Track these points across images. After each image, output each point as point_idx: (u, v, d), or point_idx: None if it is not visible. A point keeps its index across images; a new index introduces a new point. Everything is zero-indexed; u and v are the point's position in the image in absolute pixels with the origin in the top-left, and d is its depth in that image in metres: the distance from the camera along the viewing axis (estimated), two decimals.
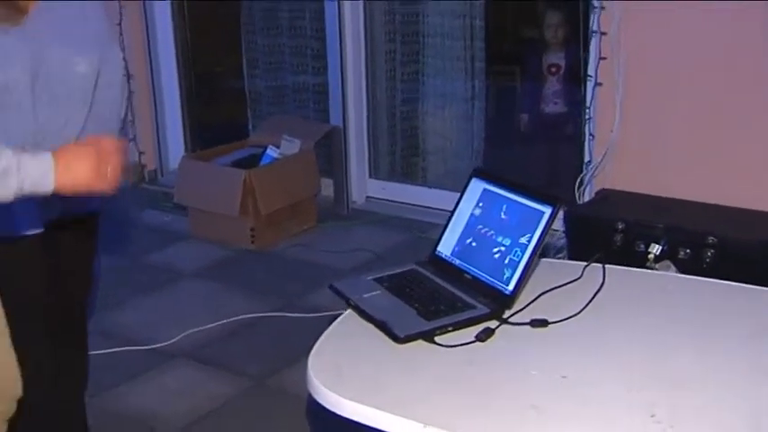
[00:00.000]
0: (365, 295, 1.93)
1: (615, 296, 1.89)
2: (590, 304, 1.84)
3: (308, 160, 4.47)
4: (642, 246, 3.17)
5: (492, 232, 1.94)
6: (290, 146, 4.38)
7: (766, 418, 1.42)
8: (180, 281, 3.95)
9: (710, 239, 3.08)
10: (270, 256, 4.18)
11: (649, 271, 2.34)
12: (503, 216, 1.94)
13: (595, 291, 1.89)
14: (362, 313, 1.86)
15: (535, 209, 1.87)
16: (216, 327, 3.43)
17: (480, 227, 1.98)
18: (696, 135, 3.48)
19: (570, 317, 1.79)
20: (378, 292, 1.94)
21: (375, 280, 2.01)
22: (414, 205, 4.68)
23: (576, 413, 1.47)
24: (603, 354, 1.67)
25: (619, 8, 3.52)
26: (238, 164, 4.35)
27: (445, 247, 2.04)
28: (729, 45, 3.34)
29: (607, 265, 1.98)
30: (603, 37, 3.59)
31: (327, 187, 4.74)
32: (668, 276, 2.23)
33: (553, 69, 4.40)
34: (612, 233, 3.26)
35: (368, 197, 4.88)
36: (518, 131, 4.76)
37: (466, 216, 2.03)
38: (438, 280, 1.97)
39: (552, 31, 4.38)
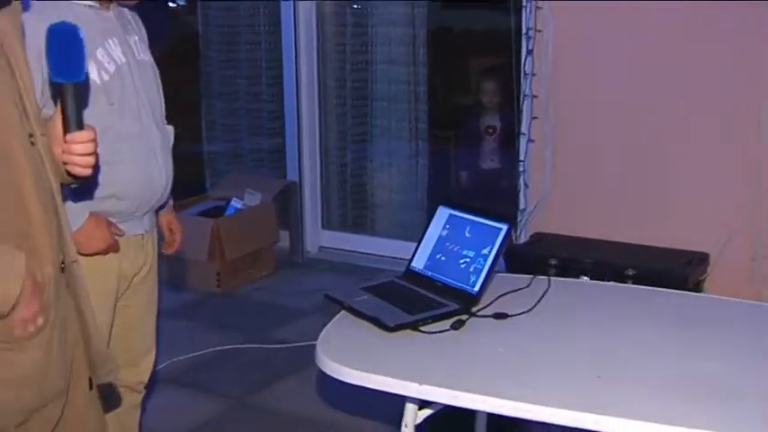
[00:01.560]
0: (356, 299, 2.33)
1: (558, 297, 2.33)
2: (539, 303, 2.28)
3: (268, 211, 4.87)
4: (572, 278, 3.63)
5: (458, 247, 2.38)
6: (253, 198, 4.78)
7: (682, 384, 1.87)
8: None
9: (630, 271, 3.55)
10: (235, 298, 4.54)
11: (584, 280, 2.78)
12: (467, 234, 2.38)
13: (543, 293, 2.33)
14: (356, 312, 2.26)
15: (493, 226, 2.32)
16: (194, 357, 3.77)
17: (448, 244, 2.41)
18: (617, 183, 4.00)
19: (525, 312, 2.22)
20: (366, 297, 2.35)
21: (362, 289, 2.42)
22: (363, 253, 5.10)
23: (534, 376, 1.89)
24: (553, 336, 2.10)
25: (547, 75, 4.07)
26: (204, 214, 4.71)
27: (418, 263, 2.46)
28: (643, 108, 3.89)
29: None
30: (535, 99, 4.12)
31: (283, 238, 5.13)
32: (600, 284, 2.67)
33: (490, 130, 4.91)
34: (547, 268, 3.71)
35: (320, 247, 5.28)
36: (458, 186, 5.24)
37: (435, 237, 2.46)
38: (415, 287, 2.38)
39: (489, 96, 4.90)
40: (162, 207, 2.41)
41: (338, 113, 5.25)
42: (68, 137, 1.57)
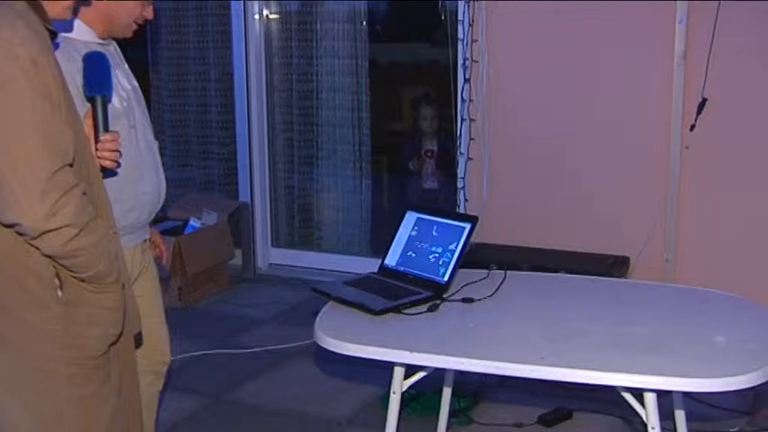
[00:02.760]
0: (342, 290, 2.69)
1: (513, 286, 2.74)
2: (498, 290, 2.68)
3: (224, 230, 5.19)
4: None
5: (427, 245, 2.77)
6: (210, 218, 5.09)
7: (618, 342, 2.30)
8: None
9: (562, 273, 4.01)
10: (197, 310, 4.83)
11: (534, 273, 3.19)
12: (434, 233, 2.78)
13: (501, 281, 2.74)
14: (343, 301, 2.61)
15: (458, 225, 2.73)
16: None
17: (417, 243, 2.80)
18: (547, 196, 4.47)
19: (488, 296, 2.63)
20: (350, 288, 2.71)
21: (344, 283, 2.78)
22: (311, 268, 5.45)
23: (499, 344, 2.29)
24: (511, 315, 2.51)
25: (483, 100, 4.53)
26: (164, 233, 4.98)
27: (391, 260, 2.84)
28: (567, 128, 4.39)
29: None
30: (473, 122, 4.57)
31: (236, 256, 5.43)
32: (547, 275, 3.09)
33: (429, 153, 5.33)
34: None
35: (270, 263, 5.61)
36: (401, 203, 5.62)
37: (405, 238, 2.85)
38: (391, 280, 2.76)
39: (428, 122, 5.33)
40: None
41: (286, 138, 5.61)
42: (102, 137, 2.01)
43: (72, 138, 1.76)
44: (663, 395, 2.21)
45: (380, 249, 2.90)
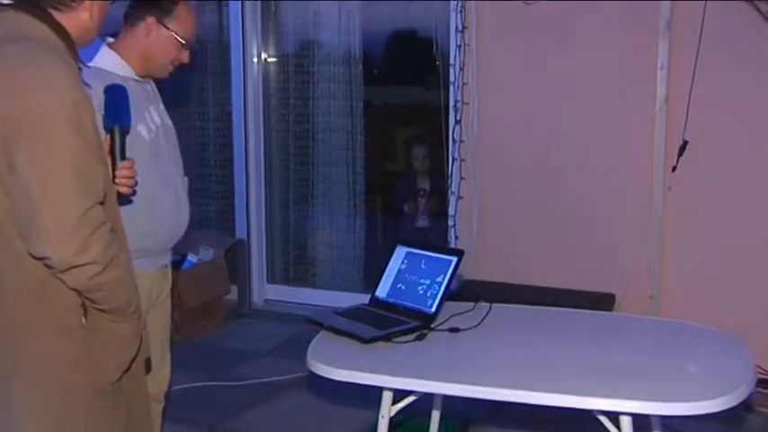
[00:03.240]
0: (333, 320, 2.81)
1: (498, 317, 2.86)
2: (484, 320, 2.80)
3: (220, 266, 5.31)
4: None
5: (416, 278, 2.90)
6: (207, 253, 5.21)
7: (597, 370, 2.42)
8: None
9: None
10: (193, 344, 4.92)
11: (519, 306, 3.29)
12: (422, 266, 2.90)
13: (486, 312, 2.86)
14: (335, 330, 2.73)
15: (445, 259, 2.86)
16: None
17: (407, 275, 2.93)
18: (535, 235, 4.60)
19: (473, 326, 2.74)
20: (341, 318, 2.83)
21: (336, 313, 2.90)
22: (305, 304, 5.54)
23: (484, 370, 2.41)
24: (496, 344, 2.63)
25: (473, 141, 4.68)
26: None
27: (381, 292, 2.97)
28: (555, 169, 4.54)
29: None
30: (463, 162, 4.73)
31: (232, 291, 5.55)
32: (531, 308, 3.20)
33: (421, 193, 5.48)
34: None
35: (266, 299, 5.72)
36: (394, 241, 5.73)
37: (395, 271, 2.98)
38: (381, 311, 2.88)
39: (419, 161, 5.49)
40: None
41: (282, 177, 5.76)
42: (120, 164, 2.14)
43: (103, 175, 1.87)
44: (641, 419, 2.32)
45: (373, 286, 3.01)
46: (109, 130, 2.16)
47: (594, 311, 3.14)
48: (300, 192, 5.76)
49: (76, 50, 1.94)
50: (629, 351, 2.55)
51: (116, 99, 2.22)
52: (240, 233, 5.60)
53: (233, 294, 5.56)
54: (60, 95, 1.77)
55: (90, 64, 2.43)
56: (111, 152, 2.15)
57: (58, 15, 1.91)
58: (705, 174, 4.22)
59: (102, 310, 1.89)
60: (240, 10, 5.42)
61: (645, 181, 4.33)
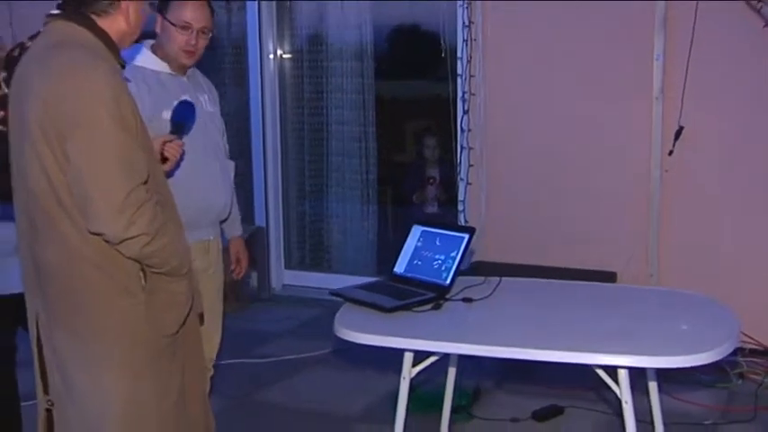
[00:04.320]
0: (356, 293, 3.08)
1: (508, 289, 3.12)
2: (494, 292, 3.07)
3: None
4: None
5: (431, 253, 3.16)
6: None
7: (597, 331, 2.68)
8: None
9: None
10: None
11: (526, 278, 3.55)
12: (437, 243, 3.17)
13: (496, 284, 3.13)
14: (358, 302, 2.99)
15: (458, 236, 3.12)
16: None
17: (423, 252, 3.19)
18: (541, 217, 4.87)
19: (485, 297, 3.01)
20: (364, 291, 3.10)
21: (357, 287, 3.16)
22: (321, 288, 5.80)
23: (495, 332, 2.68)
24: (506, 312, 2.89)
25: (481, 130, 4.95)
26: None
27: (399, 268, 3.23)
28: (560, 154, 4.80)
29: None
30: (471, 150, 4.99)
31: (252, 277, 5.82)
32: (537, 280, 3.45)
33: (431, 180, 5.74)
34: None
35: (284, 284, 6.00)
36: (405, 228, 6.00)
37: (412, 248, 3.24)
38: (399, 285, 3.14)
39: (429, 150, 5.75)
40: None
41: (298, 168, 6.04)
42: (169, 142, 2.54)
43: (145, 159, 2.15)
44: (638, 377, 2.59)
45: (386, 270, 3.27)
46: (173, 132, 2.63)
47: (596, 283, 3.39)
48: (315, 181, 6.04)
49: (117, 51, 2.22)
50: (626, 315, 2.80)
51: (183, 112, 2.71)
52: (259, 221, 5.87)
53: (253, 280, 5.84)
54: (103, 94, 2.04)
55: (133, 63, 2.74)
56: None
57: (99, 21, 2.18)
58: (699, 157, 4.49)
59: (160, 273, 2.18)
60: (257, 9, 5.68)
61: (643, 164, 4.59)
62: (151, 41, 3.00)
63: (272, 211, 5.88)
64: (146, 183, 2.12)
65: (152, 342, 2.22)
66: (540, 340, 2.56)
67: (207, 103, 3.05)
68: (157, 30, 2.97)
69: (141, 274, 2.17)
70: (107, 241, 2.09)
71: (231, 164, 3.19)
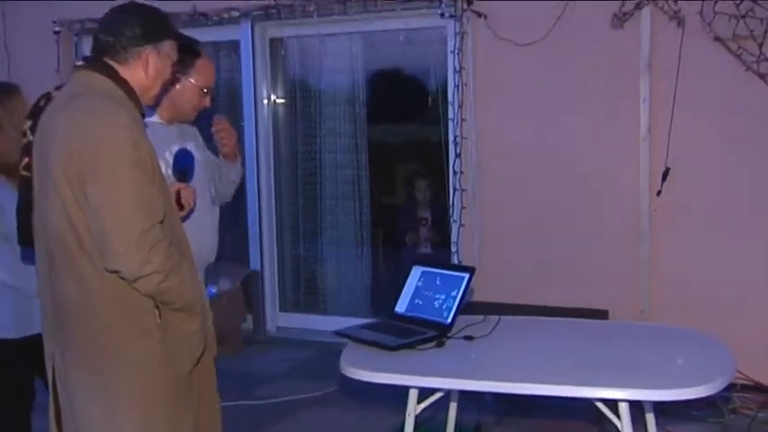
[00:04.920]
0: (360, 332, 3.15)
1: (507, 327, 3.20)
2: (494, 330, 3.15)
3: (237, 296, 5.65)
4: None
5: (432, 293, 3.24)
6: (225, 284, 5.56)
7: (595, 366, 2.76)
8: None
9: None
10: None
11: (524, 317, 3.64)
12: (438, 283, 3.25)
13: (496, 323, 3.21)
14: (362, 341, 3.06)
15: (458, 275, 3.21)
16: None
17: (423, 291, 3.28)
18: (532, 258, 4.97)
19: (485, 335, 3.09)
20: (367, 330, 3.17)
21: (361, 327, 3.24)
22: (315, 330, 5.87)
23: (496, 369, 2.75)
24: (505, 348, 2.98)
25: (473, 172, 5.06)
26: None
27: (400, 307, 3.31)
28: (549, 197, 4.91)
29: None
30: (464, 192, 5.10)
31: (247, 319, 5.87)
32: (535, 318, 3.54)
33: (423, 221, 5.84)
34: None
35: (278, 327, 6.05)
36: (399, 269, 6.10)
37: (412, 288, 3.32)
38: (401, 323, 3.22)
39: (422, 193, 5.86)
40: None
41: (292, 211, 6.13)
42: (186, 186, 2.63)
43: (161, 200, 2.24)
44: (633, 410, 2.67)
45: (380, 311, 3.35)
46: (178, 178, 2.72)
47: (591, 320, 3.49)
48: (309, 224, 6.12)
49: (137, 99, 2.31)
50: (623, 350, 2.90)
51: (184, 159, 2.80)
52: (254, 264, 5.93)
53: (248, 322, 5.88)
54: (121, 138, 2.14)
55: None
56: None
57: (121, 69, 2.29)
58: (687, 196, 4.61)
59: (176, 310, 2.25)
60: (251, 55, 5.79)
61: (632, 204, 4.71)
62: None
63: (267, 254, 5.95)
64: (161, 222, 2.20)
65: (167, 381, 2.28)
66: (542, 376, 2.64)
67: (194, 151, 3.12)
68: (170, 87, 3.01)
69: (156, 312, 2.24)
70: (123, 278, 2.17)
71: (216, 208, 3.25)
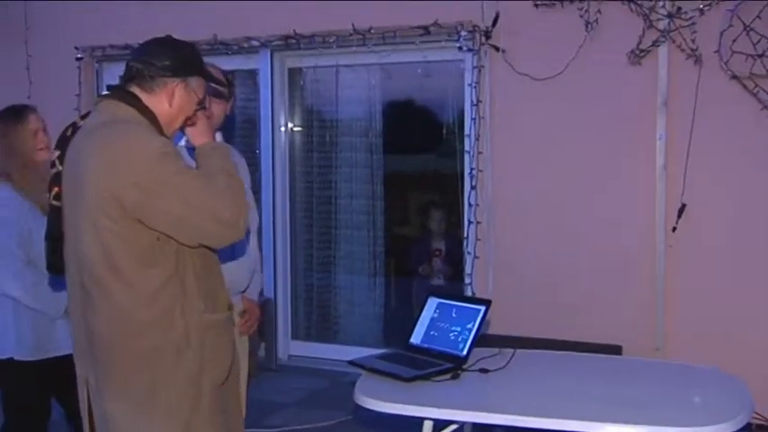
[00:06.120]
0: (375, 363, 3.15)
1: (522, 360, 3.20)
2: (509, 363, 3.15)
3: None
4: None
5: (447, 325, 3.25)
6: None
7: (609, 402, 2.75)
8: None
9: None
10: None
11: (539, 350, 3.64)
12: (453, 315, 3.26)
13: (511, 356, 3.21)
14: (377, 371, 3.06)
15: (474, 308, 3.21)
16: None
17: (439, 323, 3.28)
18: (547, 292, 4.96)
19: (500, 368, 3.09)
20: (382, 361, 3.17)
21: (375, 357, 3.24)
22: (327, 359, 5.87)
23: (511, 402, 2.75)
24: (521, 381, 2.97)
25: (488, 205, 5.08)
26: None
27: (416, 339, 3.31)
28: (566, 229, 4.92)
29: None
30: (479, 225, 5.11)
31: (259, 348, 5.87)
32: (550, 352, 3.53)
33: (437, 252, 5.85)
34: None
35: (290, 355, 6.05)
36: (412, 299, 6.10)
37: (427, 320, 3.33)
38: (416, 355, 3.22)
39: (436, 224, 5.88)
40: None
41: (306, 240, 6.15)
42: None
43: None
44: None
45: (393, 341, 3.35)
46: None
47: (606, 355, 3.48)
48: (323, 253, 6.14)
49: (160, 126, 2.35)
50: (639, 386, 2.89)
51: None
52: (267, 292, 5.94)
53: (260, 350, 5.88)
54: (160, 155, 2.18)
55: None
56: None
57: (146, 97, 2.33)
58: (703, 232, 4.61)
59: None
60: (269, 82, 5.85)
61: (648, 240, 4.71)
62: None
63: (281, 282, 5.97)
64: None
65: (202, 395, 2.31)
66: (556, 411, 2.63)
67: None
68: None
69: (186, 334, 2.27)
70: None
71: (252, 239, 3.29)
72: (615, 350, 4.64)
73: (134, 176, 2.15)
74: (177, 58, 2.35)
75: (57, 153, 2.38)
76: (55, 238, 2.37)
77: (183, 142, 3.04)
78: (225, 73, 3.18)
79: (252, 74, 6.01)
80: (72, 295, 2.33)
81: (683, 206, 4.61)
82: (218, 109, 3.07)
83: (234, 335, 2.46)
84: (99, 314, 2.24)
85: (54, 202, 2.37)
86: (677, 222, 4.63)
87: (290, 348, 6.06)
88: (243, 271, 3.20)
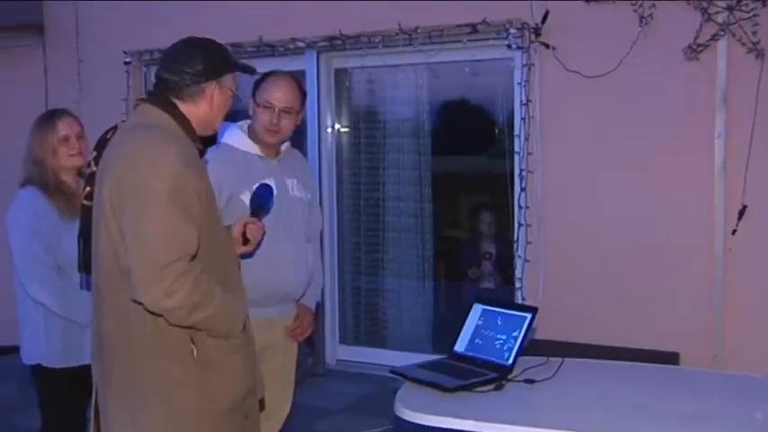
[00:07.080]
0: (417, 372, 3.04)
1: (570, 370, 3.06)
2: (556, 373, 3.01)
3: None
4: None
5: (493, 333, 3.13)
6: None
7: (665, 417, 2.60)
8: None
9: None
10: None
11: (589, 360, 3.49)
12: (499, 323, 3.14)
13: (559, 365, 3.07)
14: (419, 381, 2.96)
15: (520, 315, 3.08)
16: None
17: (484, 331, 3.16)
18: (600, 296, 4.80)
19: (547, 378, 2.95)
20: (424, 370, 3.06)
21: (418, 366, 3.13)
22: (375, 364, 5.77)
23: (558, 418, 2.62)
24: (568, 394, 2.84)
25: (538, 207, 4.93)
26: None
27: (460, 347, 3.19)
28: (620, 232, 4.75)
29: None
30: (529, 228, 4.97)
31: (307, 352, 5.81)
32: (600, 361, 3.38)
33: (487, 255, 5.72)
34: None
35: (338, 359, 5.97)
36: (461, 303, 5.98)
37: (472, 327, 3.21)
38: (460, 363, 3.10)
39: (486, 226, 5.75)
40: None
41: (354, 243, 6.07)
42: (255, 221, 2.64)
43: (196, 237, 2.18)
44: None
45: (441, 347, 3.25)
46: (252, 215, 2.72)
47: (661, 365, 3.32)
48: (371, 257, 6.05)
49: (195, 134, 2.31)
50: (696, 400, 2.73)
51: (262, 195, 2.81)
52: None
53: (307, 354, 5.82)
54: (164, 169, 2.12)
55: (225, 142, 3.04)
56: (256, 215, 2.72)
57: (182, 105, 2.29)
58: (764, 236, 4.40)
59: (214, 336, 2.23)
60: (316, 83, 5.78)
61: (706, 243, 4.52)
62: (248, 122, 3.14)
63: (328, 285, 5.88)
64: (193, 259, 2.17)
65: (204, 417, 2.23)
66: (606, 426, 2.49)
67: (294, 188, 3.14)
68: (250, 111, 3.14)
69: (192, 346, 2.20)
70: (147, 310, 2.14)
71: (309, 247, 3.25)
72: (672, 357, 4.47)
73: (134, 180, 2.13)
74: (208, 60, 2.32)
75: (94, 154, 2.38)
76: (87, 239, 2.35)
77: (255, 150, 3.07)
78: (300, 84, 3.21)
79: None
80: (92, 297, 2.32)
81: (744, 207, 4.41)
82: (287, 123, 3.06)
83: (252, 358, 2.37)
84: (107, 315, 2.22)
85: (86, 202, 2.35)
86: (737, 225, 4.43)
87: (338, 353, 5.98)
88: (290, 280, 3.15)
